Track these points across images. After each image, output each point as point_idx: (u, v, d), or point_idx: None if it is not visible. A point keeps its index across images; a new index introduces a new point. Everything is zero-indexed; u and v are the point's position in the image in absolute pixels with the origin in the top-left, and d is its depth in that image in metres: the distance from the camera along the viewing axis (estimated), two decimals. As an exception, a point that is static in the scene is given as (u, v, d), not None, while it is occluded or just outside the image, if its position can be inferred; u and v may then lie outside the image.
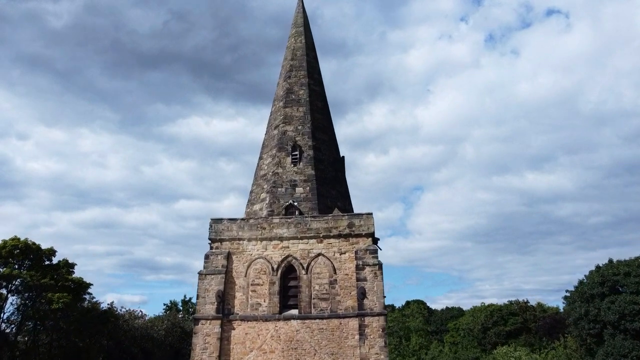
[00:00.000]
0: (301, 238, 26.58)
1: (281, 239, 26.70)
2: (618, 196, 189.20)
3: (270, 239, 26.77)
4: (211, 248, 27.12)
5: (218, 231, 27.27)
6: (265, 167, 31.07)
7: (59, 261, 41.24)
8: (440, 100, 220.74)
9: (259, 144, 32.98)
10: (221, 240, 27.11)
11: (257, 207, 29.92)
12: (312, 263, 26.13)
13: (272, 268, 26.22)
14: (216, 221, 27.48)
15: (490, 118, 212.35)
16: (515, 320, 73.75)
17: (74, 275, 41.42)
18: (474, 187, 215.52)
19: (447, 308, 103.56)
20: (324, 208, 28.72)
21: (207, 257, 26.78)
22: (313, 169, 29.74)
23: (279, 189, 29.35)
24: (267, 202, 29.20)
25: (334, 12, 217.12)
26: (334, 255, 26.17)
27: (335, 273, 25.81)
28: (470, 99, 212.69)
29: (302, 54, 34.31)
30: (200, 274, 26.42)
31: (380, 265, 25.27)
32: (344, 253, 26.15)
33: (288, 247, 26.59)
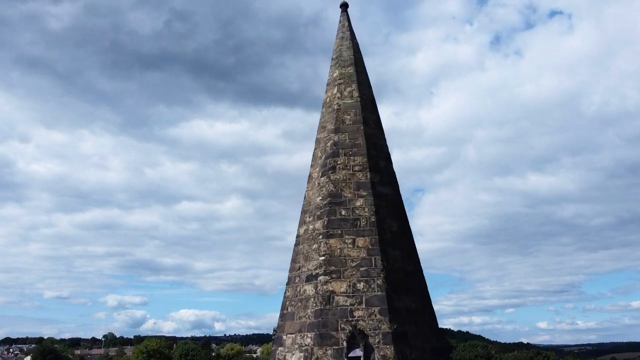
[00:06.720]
0: None
1: None
2: (621, 197, 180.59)
3: None
4: None
5: None
6: (289, 377, 14.46)
7: None
8: (443, 102, 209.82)
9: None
10: None
11: None
12: None
13: None
14: None
15: (493, 119, 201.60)
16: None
17: None
18: (476, 189, 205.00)
19: (460, 332, 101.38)
20: None
21: None
22: (397, 397, 13.18)
23: None
24: None
25: (337, 13, 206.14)
26: None
27: None
28: (473, 101, 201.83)
29: (357, 120, 17.53)
30: None
31: None
32: None
33: None
